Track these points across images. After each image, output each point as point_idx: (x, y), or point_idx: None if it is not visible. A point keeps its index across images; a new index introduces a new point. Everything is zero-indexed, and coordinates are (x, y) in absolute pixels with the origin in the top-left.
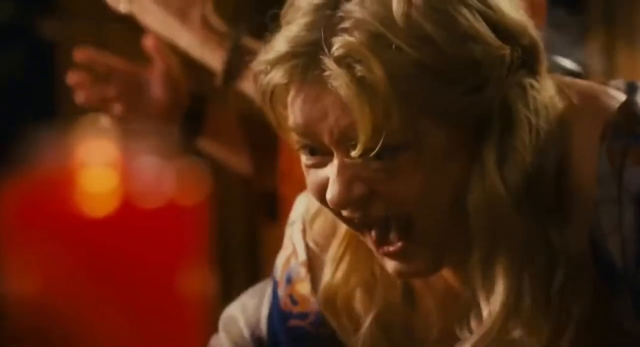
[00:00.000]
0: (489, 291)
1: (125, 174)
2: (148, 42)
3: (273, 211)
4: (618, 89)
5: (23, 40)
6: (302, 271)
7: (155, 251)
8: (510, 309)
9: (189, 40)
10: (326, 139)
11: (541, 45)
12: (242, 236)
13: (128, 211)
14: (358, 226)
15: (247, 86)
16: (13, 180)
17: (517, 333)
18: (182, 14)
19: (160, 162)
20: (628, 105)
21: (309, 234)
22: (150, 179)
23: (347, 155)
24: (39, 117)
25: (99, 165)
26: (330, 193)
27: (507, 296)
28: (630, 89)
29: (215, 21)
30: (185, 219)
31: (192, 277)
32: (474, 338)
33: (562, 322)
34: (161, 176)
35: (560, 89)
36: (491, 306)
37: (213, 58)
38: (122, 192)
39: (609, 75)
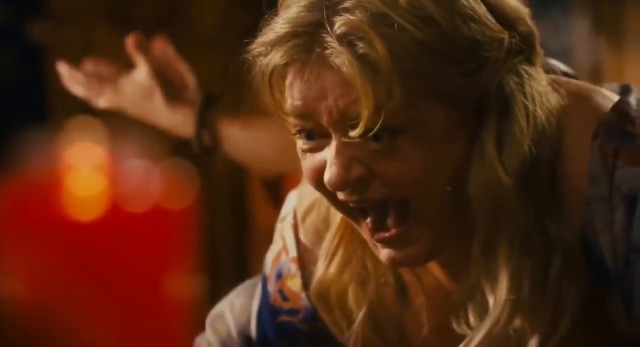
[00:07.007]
0: (494, 279)
1: (113, 177)
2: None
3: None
4: (611, 90)
5: (13, 43)
6: (293, 267)
7: (143, 253)
8: (515, 295)
9: (159, 123)
10: (325, 120)
11: (537, 35)
12: (230, 238)
13: (116, 213)
14: (354, 211)
15: (227, 143)
16: (2, 182)
17: (517, 322)
18: (147, 99)
19: (148, 165)
20: (621, 105)
21: (301, 229)
22: (138, 182)
23: (346, 136)
24: (29, 120)
25: (88, 168)
26: (329, 174)
27: (510, 281)
28: (623, 91)
29: (179, 101)
30: (173, 221)
31: (180, 280)
32: (484, 328)
33: (557, 313)
34: (149, 178)
35: (554, 88)
36: (496, 292)
37: (186, 132)
38: (111, 195)
39: (595, 77)
